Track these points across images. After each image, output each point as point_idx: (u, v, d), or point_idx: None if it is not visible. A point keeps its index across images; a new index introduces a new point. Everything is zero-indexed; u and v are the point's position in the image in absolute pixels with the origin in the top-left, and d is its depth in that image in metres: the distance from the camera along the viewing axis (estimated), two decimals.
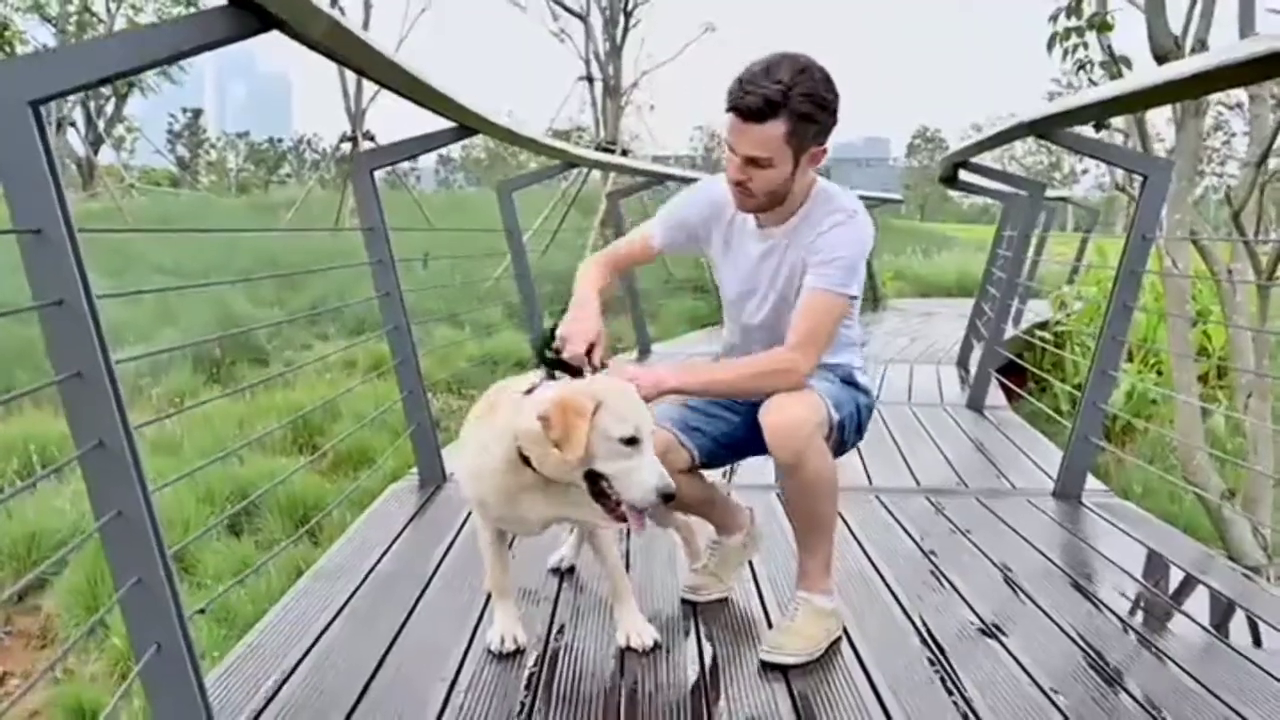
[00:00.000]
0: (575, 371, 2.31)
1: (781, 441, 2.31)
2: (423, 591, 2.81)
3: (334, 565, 3.03)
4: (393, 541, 3.22)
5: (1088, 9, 5.27)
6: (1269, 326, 5.01)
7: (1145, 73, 2.73)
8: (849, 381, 2.55)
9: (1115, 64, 5.17)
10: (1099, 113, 3.10)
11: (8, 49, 27.58)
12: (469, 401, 8.82)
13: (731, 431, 2.57)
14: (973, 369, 6.74)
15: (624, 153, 13.83)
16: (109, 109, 28.35)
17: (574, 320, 2.39)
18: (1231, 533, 5.11)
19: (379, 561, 3.04)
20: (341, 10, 19.01)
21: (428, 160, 66.03)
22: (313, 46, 2.06)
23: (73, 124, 23.40)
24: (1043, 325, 9.82)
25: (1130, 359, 8.83)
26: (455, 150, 67.35)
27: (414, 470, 4.00)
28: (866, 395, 2.60)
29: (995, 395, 5.94)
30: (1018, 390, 6.06)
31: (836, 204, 2.39)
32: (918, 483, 4.14)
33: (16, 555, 5.76)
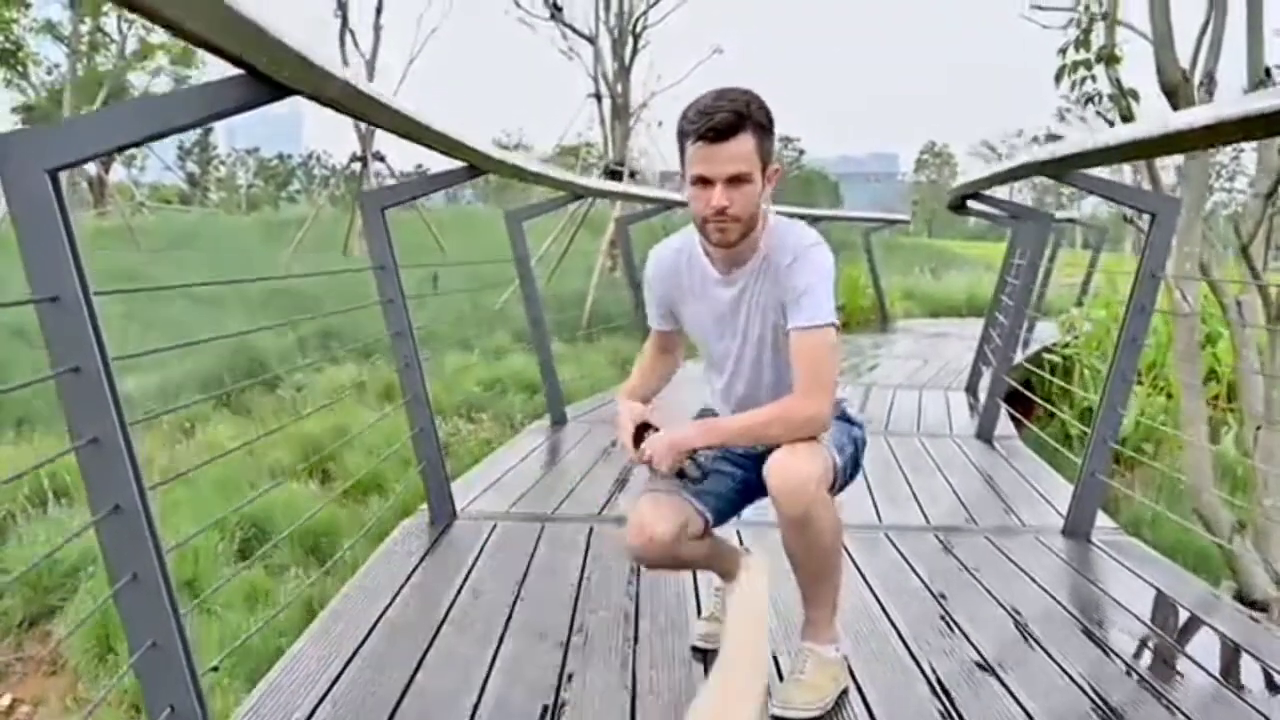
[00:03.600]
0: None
1: (789, 498, 2.31)
2: (433, 638, 2.81)
3: (344, 609, 3.04)
4: (402, 585, 3.23)
5: (1095, 42, 5.28)
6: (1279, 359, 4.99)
7: (1155, 121, 2.75)
8: (842, 417, 2.57)
9: (1123, 97, 5.19)
10: (1106, 158, 3.12)
11: (21, 69, 27.80)
12: (478, 426, 8.86)
13: (735, 485, 2.58)
14: (981, 395, 6.75)
15: (632, 174, 13.87)
16: None
17: (621, 422, 2.51)
18: (1242, 564, 5.10)
19: (389, 606, 3.05)
20: (352, 33, 19.14)
21: None
22: (327, 104, 2.08)
23: None
24: (1050, 348, 9.82)
25: (1139, 382, 8.83)
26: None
27: (424, 507, 4.01)
28: (860, 428, 2.62)
29: (1004, 424, 5.93)
30: (1025, 421, 6.05)
31: (792, 241, 2.40)
32: (927, 520, 4.14)
33: (28, 582, 5.78)
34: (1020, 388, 6.12)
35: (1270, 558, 5.04)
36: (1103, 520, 3.96)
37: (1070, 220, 14.26)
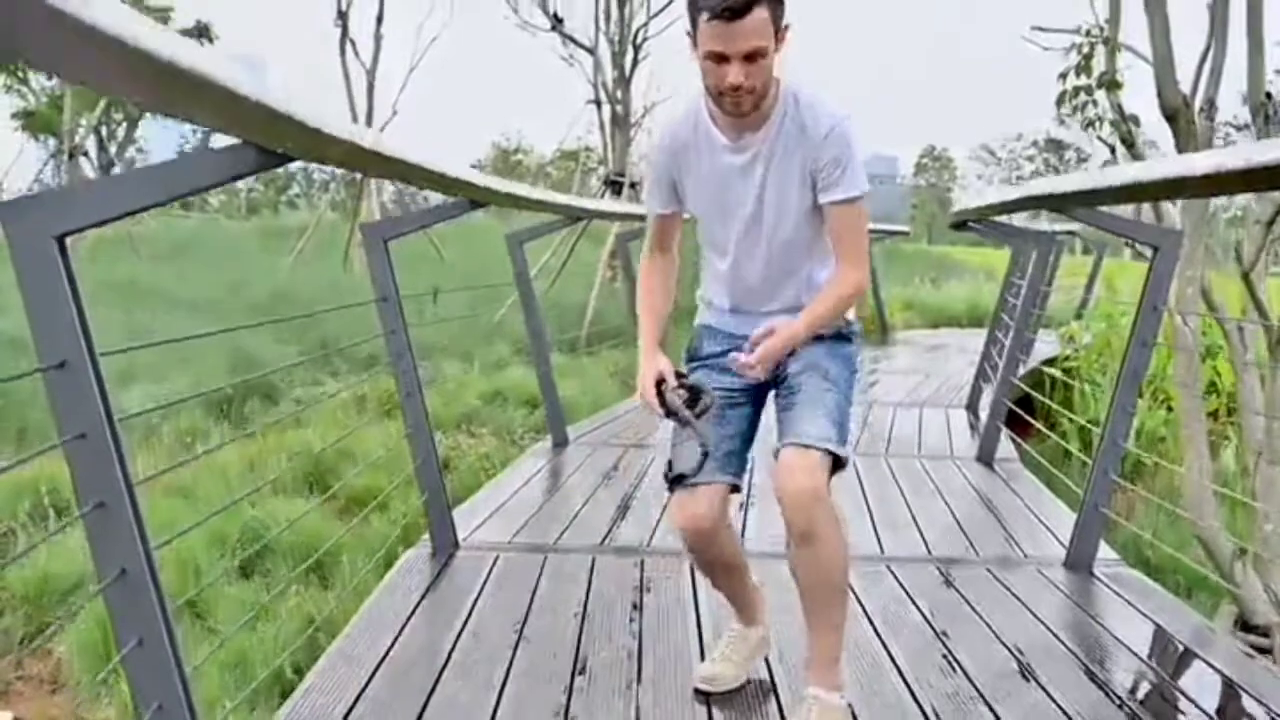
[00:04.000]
0: (692, 390, 2.47)
1: (795, 509, 2.36)
2: (435, 683, 2.81)
3: (348, 649, 3.04)
4: (404, 624, 3.23)
5: (1097, 67, 5.29)
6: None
7: (1155, 165, 2.75)
8: (840, 334, 2.58)
9: (1124, 123, 5.20)
10: (1104, 198, 3.13)
11: (20, 74, 27.76)
12: (478, 440, 8.86)
13: (744, 429, 2.60)
14: (982, 414, 6.75)
15: (633, 184, 13.88)
16: (121, 133, 28.50)
17: (641, 376, 2.52)
18: (1243, 589, 5.11)
19: (391, 647, 3.05)
20: (353, 42, 19.07)
21: None
22: (331, 165, 2.09)
23: (85, 154, 23.48)
24: (1051, 361, 9.82)
25: (1140, 394, 8.81)
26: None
27: (426, 537, 4.01)
28: (856, 341, 2.63)
29: (1005, 446, 5.93)
30: (1023, 443, 6.05)
31: (824, 108, 2.39)
32: (928, 549, 4.14)
33: (29, 599, 5.79)
34: (1018, 410, 6.10)
35: (1271, 582, 5.05)
36: (1105, 551, 3.96)
37: (1070, 232, 14.25)
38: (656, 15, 15.19)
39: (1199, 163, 2.48)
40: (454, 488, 6.70)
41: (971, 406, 7.44)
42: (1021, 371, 7.71)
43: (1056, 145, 60.77)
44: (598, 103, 15.58)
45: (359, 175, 18.19)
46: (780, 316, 2.49)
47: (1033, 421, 5.96)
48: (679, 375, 2.51)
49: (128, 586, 1.83)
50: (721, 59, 2.24)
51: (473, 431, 9.00)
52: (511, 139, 59.76)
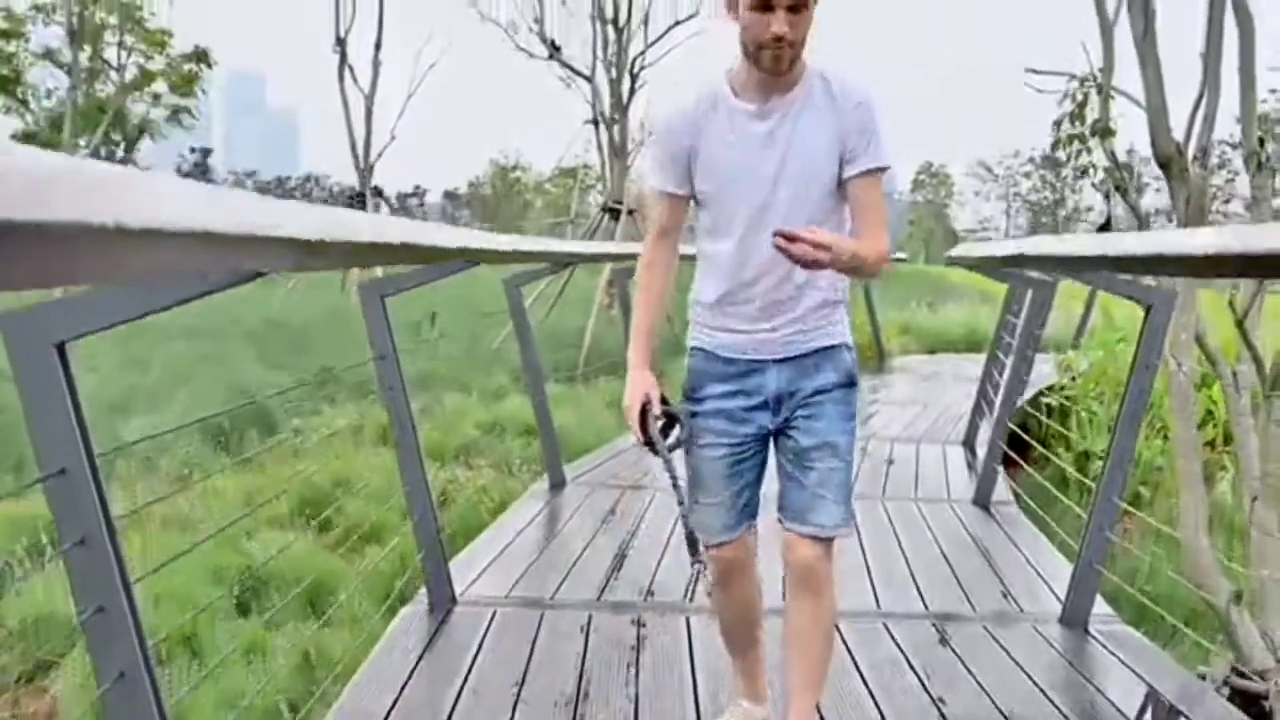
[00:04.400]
0: (670, 418, 2.51)
1: (802, 567, 2.49)
2: None
3: (350, 709, 3.05)
4: (402, 688, 3.23)
5: (1090, 114, 5.33)
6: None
7: (1149, 238, 2.77)
8: (851, 380, 2.62)
9: (1118, 170, 5.23)
10: (1100, 265, 3.15)
11: (21, 95, 27.84)
12: (476, 472, 8.86)
13: (753, 472, 2.62)
14: (979, 451, 6.77)
15: (630, 211, 13.93)
16: (119, 153, 28.59)
17: (628, 391, 2.54)
18: (1239, 633, 5.12)
19: (392, 707, 3.06)
20: (351, 69, 19.14)
21: (434, 197, 66.64)
22: (332, 268, 2.10)
23: None
24: (1049, 389, 9.82)
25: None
26: (462, 187, 67.86)
27: (423, 591, 4.01)
28: (857, 382, 2.65)
29: (1001, 488, 5.93)
30: (1017, 488, 6.07)
31: (851, 82, 2.46)
32: (925, 605, 4.14)
33: (25, 636, 5.79)
34: (1013, 449, 6.12)
35: (1268, 627, 5.05)
36: (1100, 606, 3.96)
37: None
38: (654, 44, 15.29)
39: (1199, 241, 2.49)
40: (451, 521, 6.70)
41: (968, 443, 7.45)
42: (1018, 404, 7.73)
43: (1054, 162, 61.01)
44: (595, 122, 15.66)
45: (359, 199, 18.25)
46: (784, 315, 2.50)
47: (1025, 466, 5.96)
48: (663, 400, 2.50)
49: (125, 687, 1.84)
50: (766, 7, 2.28)
51: (470, 464, 8.99)
52: (510, 156, 59.96)
